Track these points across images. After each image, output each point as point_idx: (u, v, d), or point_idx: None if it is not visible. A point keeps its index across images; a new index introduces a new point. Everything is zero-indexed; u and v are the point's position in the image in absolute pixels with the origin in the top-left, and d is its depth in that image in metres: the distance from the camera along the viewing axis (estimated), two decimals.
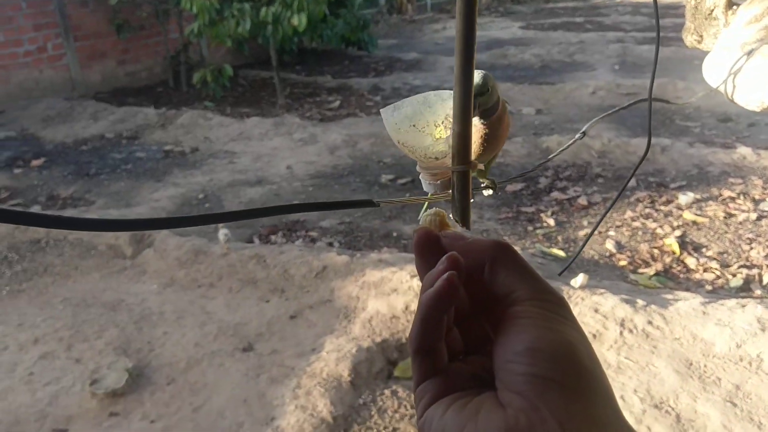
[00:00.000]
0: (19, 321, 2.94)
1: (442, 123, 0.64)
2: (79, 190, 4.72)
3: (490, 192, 0.82)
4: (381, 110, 0.66)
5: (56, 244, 3.67)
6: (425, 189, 0.69)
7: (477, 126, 0.80)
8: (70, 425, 2.30)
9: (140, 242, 3.57)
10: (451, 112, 0.61)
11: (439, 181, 0.67)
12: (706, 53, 1.25)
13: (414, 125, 0.64)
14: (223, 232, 3.50)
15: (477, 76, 0.82)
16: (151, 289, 3.20)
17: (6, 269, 3.46)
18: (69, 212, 4.03)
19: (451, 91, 0.56)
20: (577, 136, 0.86)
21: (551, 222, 3.75)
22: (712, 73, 1.16)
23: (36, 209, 4.24)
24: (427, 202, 0.66)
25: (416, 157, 0.64)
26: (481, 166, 0.77)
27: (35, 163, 5.35)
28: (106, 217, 3.77)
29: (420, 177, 0.69)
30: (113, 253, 3.55)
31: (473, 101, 0.80)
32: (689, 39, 1.26)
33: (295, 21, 5.99)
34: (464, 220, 0.56)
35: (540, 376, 0.33)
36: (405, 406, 2.29)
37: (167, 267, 3.36)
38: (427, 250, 0.40)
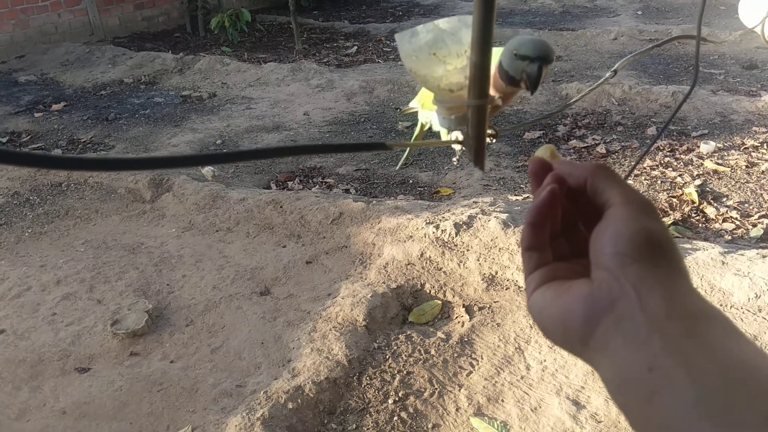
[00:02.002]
0: (41, 262, 3.00)
1: (465, 53, 0.59)
2: (99, 134, 4.74)
3: (493, 141, 0.80)
4: (396, 35, 0.62)
5: (77, 188, 3.71)
6: (439, 124, 0.66)
7: (508, 91, 0.77)
8: (92, 364, 2.37)
9: (159, 186, 3.60)
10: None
11: (453, 116, 0.63)
12: None
13: (434, 54, 0.59)
14: (208, 169, 3.70)
15: (548, 44, 0.76)
16: (169, 233, 3.24)
17: (28, 211, 3.51)
18: (88, 156, 4.05)
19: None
20: (608, 74, 0.83)
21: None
22: (748, 13, 1.12)
23: (57, 153, 4.27)
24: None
25: (429, 88, 0.61)
26: (499, 102, 0.74)
27: (55, 107, 5.37)
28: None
29: (435, 111, 0.65)
30: (132, 197, 3.58)
31: (544, 70, 0.75)
32: None
33: None
34: (478, 159, 0.54)
35: (621, 254, 0.40)
36: (419, 351, 2.33)
37: (186, 211, 3.39)
38: (540, 174, 0.48)
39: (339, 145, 0.46)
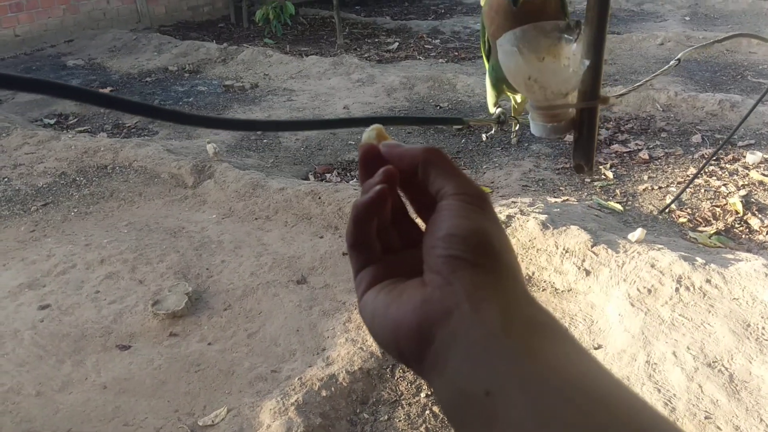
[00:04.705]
0: (86, 241, 3.08)
1: (544, 59, 0.59)
2: (143, 120, 4.83)
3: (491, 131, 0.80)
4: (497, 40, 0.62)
5: (122, 171, 3.79)
6: (534, 132, 0.66)
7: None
8: (133, 342, 2.43)
9: (201, 173, 3.66)
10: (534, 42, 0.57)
11: (563, 122, 0.62)
12: None
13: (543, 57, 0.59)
14: (211, 145, 3.78)
15: None
16: (210, 219, 3.29)
17: (74, 191, 3.60)
18: (134, 140, 4.14)
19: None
20: (671, 62, 0.84)
21: (610, 175, 3.68)
22: None
23: (102, 136, 4.37)
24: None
25: (545, 95, 0.60)
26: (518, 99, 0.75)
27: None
28: (168, 147, 3.85)
29: (530, 119, 0.65)
30: (175, 182, 3.65)
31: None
32: None
33: None
34: (588, 162, 0.54)
35: (454, 257, 0.37)
36: None
37: (226, 198, 3.44)
38: (370, 162, 0.45)
39: (417, 118, 0.47)
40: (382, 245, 0.45)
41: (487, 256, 0.38)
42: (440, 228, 0.39)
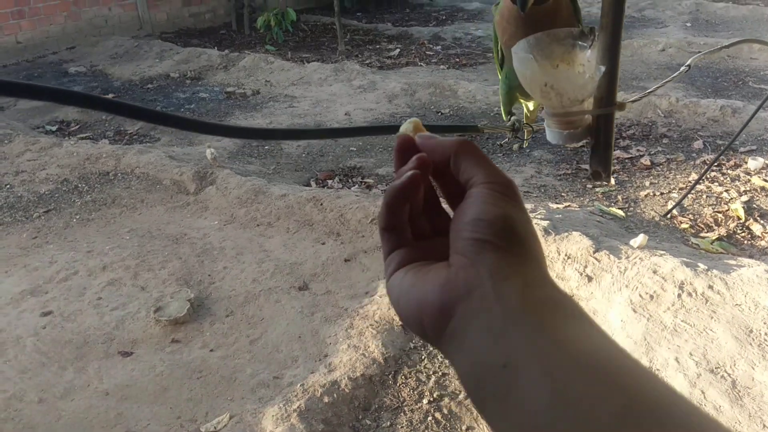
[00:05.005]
0: (88, 248, 3.08)
1: (558, 67, 0.59)
2: (145, 126, 4.84)
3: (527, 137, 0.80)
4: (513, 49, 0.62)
5: (124, 178, 3.80)
6: (550, 139, 0.66)
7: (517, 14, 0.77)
8: (135, 348, 2.43)
9: (203, 179, 3.66)
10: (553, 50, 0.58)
11: (579, 129, 0.63)
12: None
13: (557, 65, 0.59)
14: (210, 150, 3.80)
15: None
16: (212, 225, 3.30)
17: (76, 198, 3.61)
18: (135, 147, 4.15)
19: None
20: (682, 68, 0.84)
21: (612, 181, 3.68)
22: None
23: (104, 143, 4.38)
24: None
25: (561, 102, 0.60)
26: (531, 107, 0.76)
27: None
28: (170, 153, 3.85)
29: (546, 126, 0.65)
30: (177, 189, 3.66)
31: None
32: None
33: None
34: (606, 168, 0.54)
35: (479, 240, 0.39)
36: None
37: (228, 205, 3.44)
38: (405, 152, 0.47)
39: (434, 126, 0.47)
40: (413, 232, 0.46)
41: (512, 241, 0.39)
42: (468, 213, 0.41)
